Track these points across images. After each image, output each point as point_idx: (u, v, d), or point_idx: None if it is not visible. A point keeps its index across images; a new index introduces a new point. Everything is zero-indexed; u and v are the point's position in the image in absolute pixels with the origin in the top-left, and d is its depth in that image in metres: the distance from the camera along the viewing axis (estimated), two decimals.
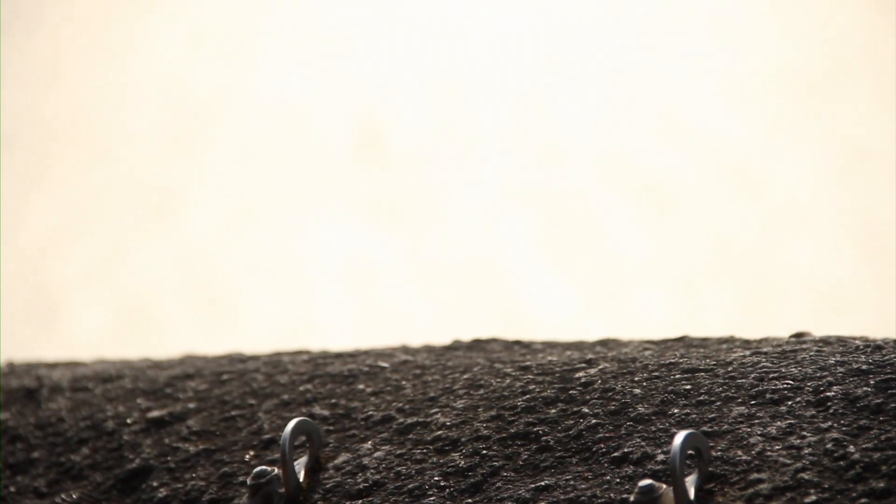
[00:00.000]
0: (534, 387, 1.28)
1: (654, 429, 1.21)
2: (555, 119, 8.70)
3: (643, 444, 1.20)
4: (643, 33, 10.11)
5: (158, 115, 8.61)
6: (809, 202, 7.31)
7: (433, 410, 1.27)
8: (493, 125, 8.71)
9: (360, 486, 1.25)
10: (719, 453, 1.13)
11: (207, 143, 8.43)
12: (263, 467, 1.10)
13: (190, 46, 9.46)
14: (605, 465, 1.17)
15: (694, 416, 1.20)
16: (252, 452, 1.30)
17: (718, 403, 1.21)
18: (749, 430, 1.16)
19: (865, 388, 1.14)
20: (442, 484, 1.22)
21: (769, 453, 1.11)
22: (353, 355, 1.58)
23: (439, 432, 1.33)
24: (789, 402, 1.18)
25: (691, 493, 0.98)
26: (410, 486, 1.25)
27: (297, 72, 9.46)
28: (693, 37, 9.74)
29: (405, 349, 1.59)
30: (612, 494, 1.11)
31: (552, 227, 7.09)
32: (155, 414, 1.43)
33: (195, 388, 1.48)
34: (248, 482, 1.08)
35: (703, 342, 1.40)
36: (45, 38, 9.75)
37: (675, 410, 1.20)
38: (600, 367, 1.37)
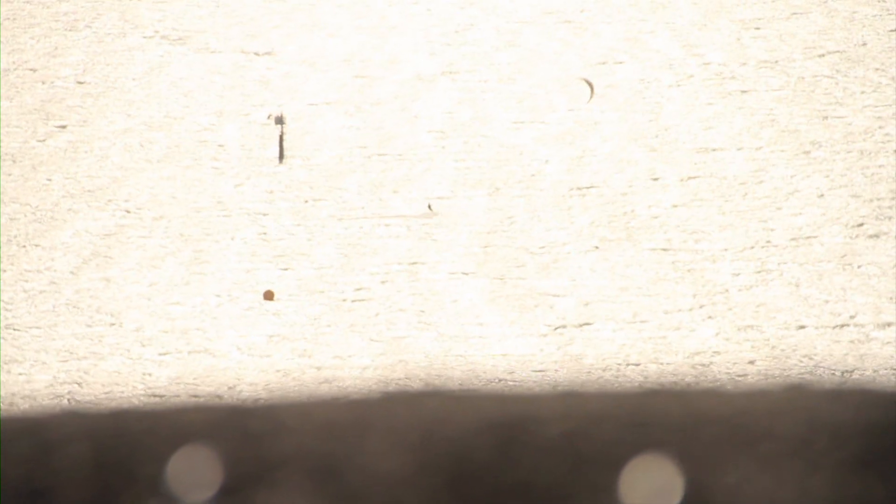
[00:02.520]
0: (478, 446, 1.28)
1: (626, 496, 1.23)
2: (498, 130, 8.71)
3: None
4: (602, 35, 10.17)
5: (26, 116, 8.51)
6: (802, 223, 7.38)
7: (362, 472, 1.27)
8: (427, 138, 8.70)
9: None
10: None
11: (89, 149, 8.35)
12: None
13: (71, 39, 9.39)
14: None
15: (667, 478, 1.22)
16: None
17: (699, 466, 1.22)
18: (731, 499, 1.18)
19: (855, 446, 1.17)
20: None
21: None
22: (266, 411, 1.57)
23: (372, 498, 1.33)
24: (782, 462, 1.21)
25: None
26: None
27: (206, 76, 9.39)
28: (661, 36, 9.82)
29: (324, 401, 1.59)
30: None
31: (496, 253, 7.05)
32: (28, 483, 1.42)
33: (77, 452, 1.46)
34: None
35: (683, 392, 1.42)
36: None
37: (646, 472, 1.21)
38: (564, 424, 1.38)
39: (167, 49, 9.41)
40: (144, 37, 9.56)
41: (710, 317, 6.24)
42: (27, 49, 9.23)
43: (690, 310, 6.40)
